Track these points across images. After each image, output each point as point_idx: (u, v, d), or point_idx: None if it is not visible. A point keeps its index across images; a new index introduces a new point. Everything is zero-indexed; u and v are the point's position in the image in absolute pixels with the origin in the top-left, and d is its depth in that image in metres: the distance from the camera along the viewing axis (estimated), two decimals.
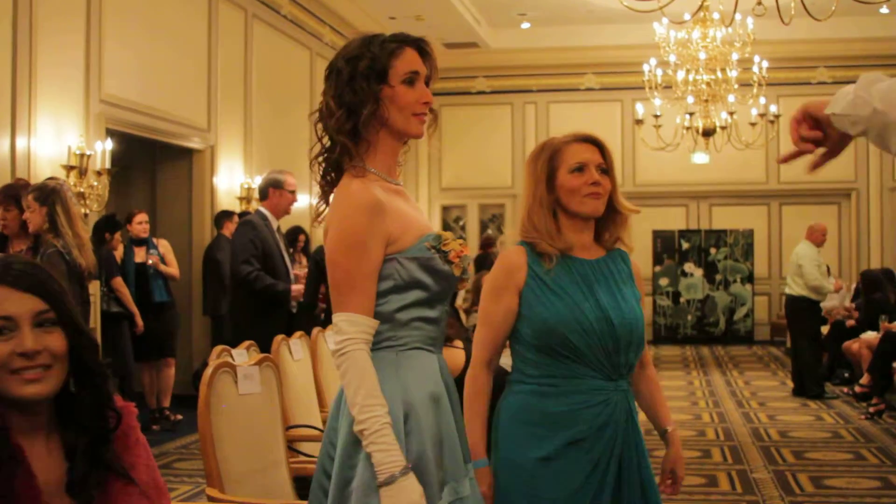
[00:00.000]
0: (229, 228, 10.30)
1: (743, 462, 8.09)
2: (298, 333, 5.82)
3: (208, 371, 3.71)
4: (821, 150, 2.33)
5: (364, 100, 2.80)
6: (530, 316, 3.17)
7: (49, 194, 6.39)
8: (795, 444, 8.85)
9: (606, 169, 3.23)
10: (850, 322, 13.13)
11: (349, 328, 2.69)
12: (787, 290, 12.15)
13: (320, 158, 2.91)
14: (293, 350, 5.58)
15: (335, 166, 2.88)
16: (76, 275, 6.35)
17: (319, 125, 2.89)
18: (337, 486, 2.73)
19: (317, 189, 2.98)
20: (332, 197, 2.89)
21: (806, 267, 11.77)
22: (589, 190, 3.18)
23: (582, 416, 3.11)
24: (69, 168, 8.80)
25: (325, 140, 2.89)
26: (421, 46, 2.93)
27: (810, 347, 11.94)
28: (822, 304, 12.47)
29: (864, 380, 11.00)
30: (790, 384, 12.46)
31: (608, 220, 3.29)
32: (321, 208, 2.93)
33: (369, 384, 2.65)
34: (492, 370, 3.29)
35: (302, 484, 4.11)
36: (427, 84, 2.93)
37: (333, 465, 2.77)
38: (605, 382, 3.13)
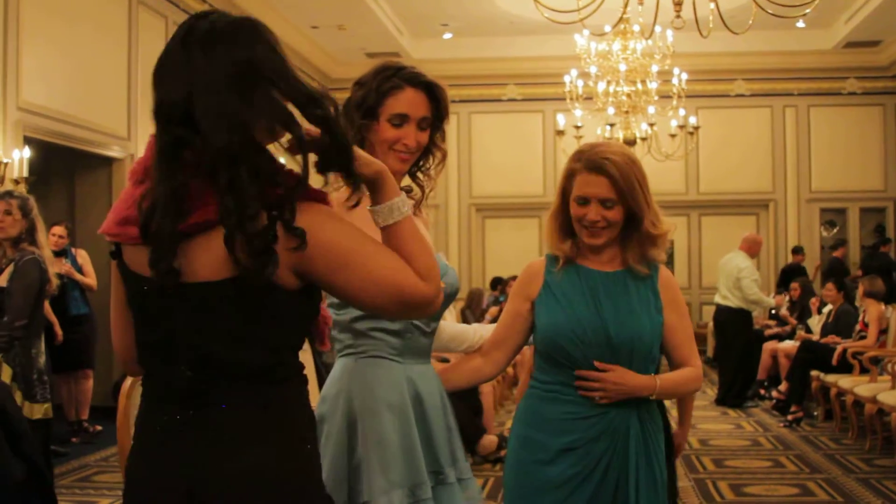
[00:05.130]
0: None
1: None
2: None
3: (127, 382, 3.65)
4: None
5: (349, 128, 2.92)
6: (538, 324, 3.24)
7: (31, 206, 6.50)
8: (716, 453, 8.94)
9: (613, 203, 3.14)
10: (770, 331, 13.30)
11: None
12: (722, 301, 12.19)
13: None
14: None
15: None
16: (43, 289, 6.50)
17: None
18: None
19: None
20: None
21: (745, 281, 11.89)
22: (588, 224, 3.17)
23: (576, 425, 3.14)
24: None
25: None
26: (431, 90, 3.12)
27: (741, 358, 12.06)
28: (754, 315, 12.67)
29: (783, 387, 11.16)
30: (711, 393, 12.59)
31: (630, 238, 3.25)
32: None
33: None
34: (493, 362, 3.34)
35: None
36: (434, 126, 3.09)
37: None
38: None
